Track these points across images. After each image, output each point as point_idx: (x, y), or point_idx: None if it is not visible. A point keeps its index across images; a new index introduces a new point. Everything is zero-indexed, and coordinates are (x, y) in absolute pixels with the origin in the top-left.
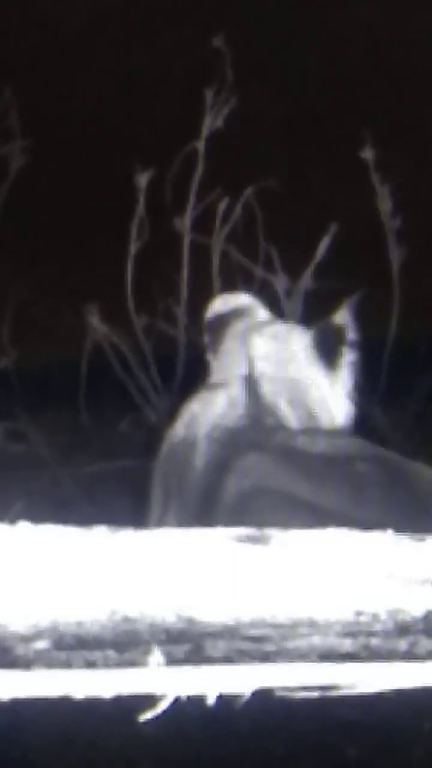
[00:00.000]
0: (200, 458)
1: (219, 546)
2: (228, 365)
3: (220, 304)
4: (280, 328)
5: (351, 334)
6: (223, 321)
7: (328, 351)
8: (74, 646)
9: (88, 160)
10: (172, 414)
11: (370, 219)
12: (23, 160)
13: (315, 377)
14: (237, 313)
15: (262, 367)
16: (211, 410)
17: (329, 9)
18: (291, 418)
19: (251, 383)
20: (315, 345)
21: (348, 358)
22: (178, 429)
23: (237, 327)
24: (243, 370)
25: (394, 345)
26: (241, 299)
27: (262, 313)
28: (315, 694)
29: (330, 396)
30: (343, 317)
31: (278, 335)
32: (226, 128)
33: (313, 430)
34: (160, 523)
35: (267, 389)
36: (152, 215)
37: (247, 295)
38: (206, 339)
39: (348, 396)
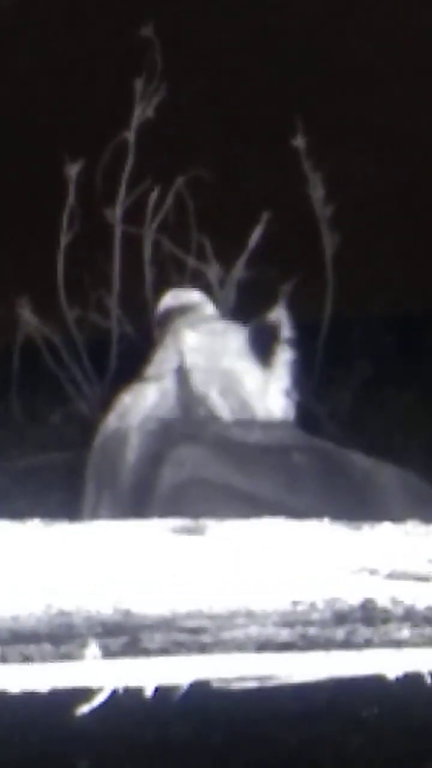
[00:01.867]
0: (133, 450)
1: (155, 537)
2: (162, 359)
3: (170, 300)
4: (216, 324)
5: (286, 332)
6: (170, 316)
7: (263, 348)
8: (10, 641)
9: (16, 151)
10: (104, 406)
11: (302, 206)
12: None
13: (249, 370)
14: (184, 309)
15: (193, 359)
16: (144, 402)
17: None
18: (223, 408)
19: (182, 375)
20: (250, 342)
21: (284, 355)
22: (111, 421)
23: (179, 323)
24: (175, 362)
25: (328, 333)
26: (190, 296)
27: (209, 309)
28: (253, 684)
29: (265, 389)
30: (278, 315)
31: (212, 330)
32: (156, 118)
33: (247, 421)
34: (94, 515)
35: (198, 380)
36: (83, 206)
37: (196, 291)
38: (155, 333)
39: (285, 393)
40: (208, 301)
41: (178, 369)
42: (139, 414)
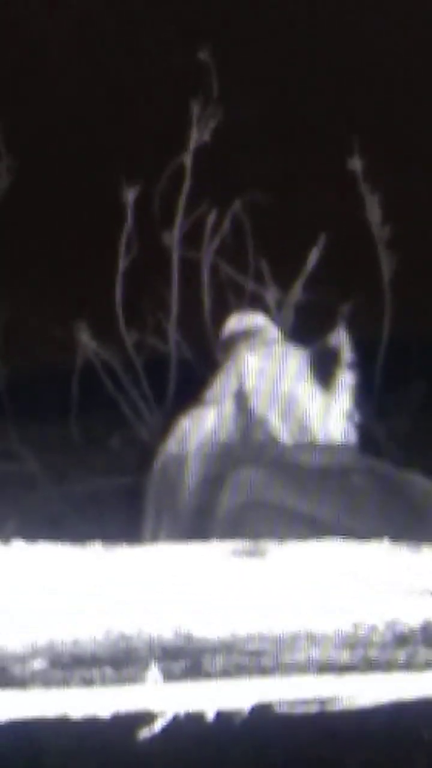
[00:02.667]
0: (193, 474)
1: (215, 560)
2: (222, 382)
3: (234, 323)
4: (277, 347)
5: (347, 355)
6: (233, 340)
7: (324, 371)
8: (71, 665)
9: (74, 177)
10: (163, 430)
11: (359, 229)
12: (9, 179)
13: (309, 393)
14: (248, 333)
15: (253, 383)
16: (202, 426)
17: (317, 21)
18: (282, 431)
19: (241, 398)
20: (311, 366)
21: (344, 378)
22: (170, 445)
23: (240, 346)
24: (235, 386)
25: (386, 354)
26: (254, 319)
27: (273, 333)
28: (314, 707)
29: (326, 412)
30: (338, 338)
31: (272, 354)
32: (212, 141)
33: (306, 444)
34: (154, 539)
35: (257, 404)
36: (141, 230)
37: (260, 315)
38: (219, 356)
39: (345, 415)
40: (272, 324)
41: (238, 392)
42: (198, 438)
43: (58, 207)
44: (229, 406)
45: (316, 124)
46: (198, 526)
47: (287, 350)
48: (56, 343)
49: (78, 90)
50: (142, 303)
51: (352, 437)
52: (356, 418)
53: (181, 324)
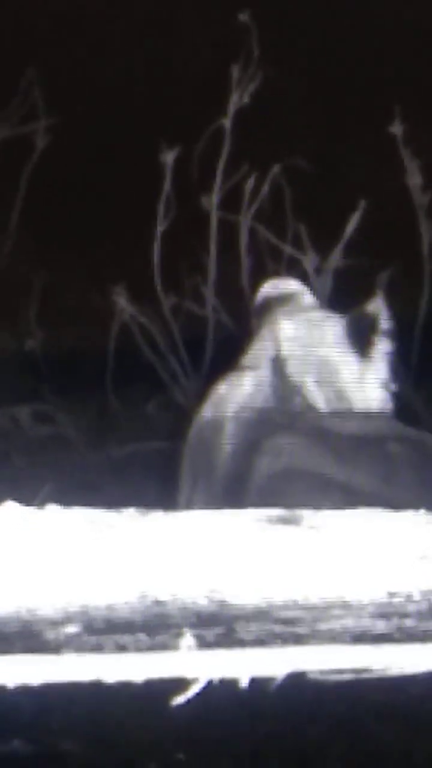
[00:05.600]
0: (229, 440)
1: (250, 527)
2: (258, 348)
3: (268, 289)
4: (314, 314)
5: (385, 323)
6: (269, 305)
7: (361, 339)
8: (105, 630)
9: (113, 138)
10: (200, 395)
11: (399, 195)
12: (48, 139)
13: (346, 360)
14: (283, 299)
15: (290, 349)
16: (239, 392)
17: None
18: (319, 398)
19: (278, 364)
20: (348, 333)
21: (381, 346)
22: (207, 410)
23: (276, 312)
24: (272, 352)
25: (425, 323)
26: (290, 284)
27: (308, 299)
28: (348, 676)
29: (362, 380)
30: (376, 305)
31: (309, 320)
32: (252, 105)
33: (343, 411)
34: (190, 505)
35: (294, 370)
36: (179, 194)
37: (295, 281)
38: (253, 322)
39: (382, 383)
40: (307, 290)
41: (275, 358)
42: (235, 403)
43: (96, 169)
44: (265, 372)
45: (358, 89)
46: (234, 492)
47: (324, 317)
48: (93, 307)
49: (118, 52)
50: (179, 267)
51: (389, 405)
52: (393, 386)
53: (219, 288)
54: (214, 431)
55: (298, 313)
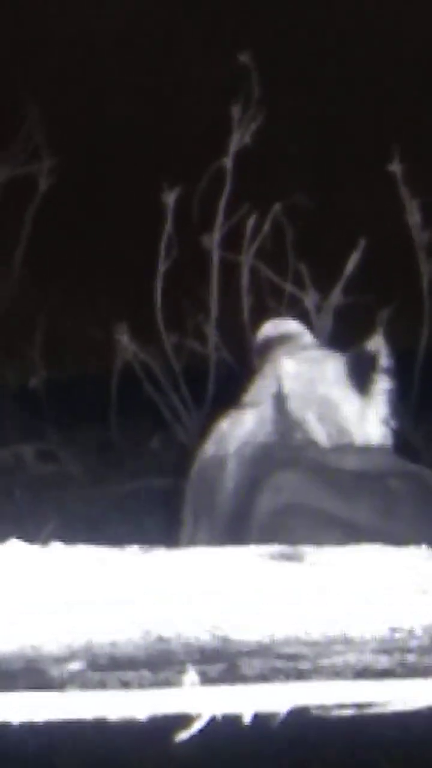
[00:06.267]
0: (231, 476)
1: (252, 564)
2: (260, 386)
3: (269, 329)
4: (315, 352)
5: (384, 361)
6: (269, 345)
7: (361, 377)
8: (108, 667)
9: (115, 178)
10: (202, 432)
11: (399, 233)
12: (51, 179)
13: (346, 397)
14: (283, 339)
15: (291, 386)
16: (241, 428)
17: (357, 25)
18: (320, 434)
19: (280, 400)
20: (348, 370)
21: (381, 384)
22: (209, 447)
23: (278, 352)
24: (273, 389)
25: (424, 358)
26: (290, 325)
27: (308, 339)
28: (351, 711)
29: (363, 416)
30: (376, 343)
31: (310, 358)
32: (253, 144)
33: (344, 447)
34: (192, 541)
35: (295, 405)
36: (180, 233)
37: (295, 321)
38: (254, 361)
39: (382, 420)
40: (307, 330)
41: (276, 395)
42: (237, 440)
43: (98, 209)
44: (267, 408)
45: (357, 128)
46: (236, 528)
47: (324, 355)
48: (96, 344)
49: (120, 92)
50: (181, 305)
51: (389, 441)
52: (393, 423)
53: (221, 326)
54: (216, 468)
55: (298, 351)
